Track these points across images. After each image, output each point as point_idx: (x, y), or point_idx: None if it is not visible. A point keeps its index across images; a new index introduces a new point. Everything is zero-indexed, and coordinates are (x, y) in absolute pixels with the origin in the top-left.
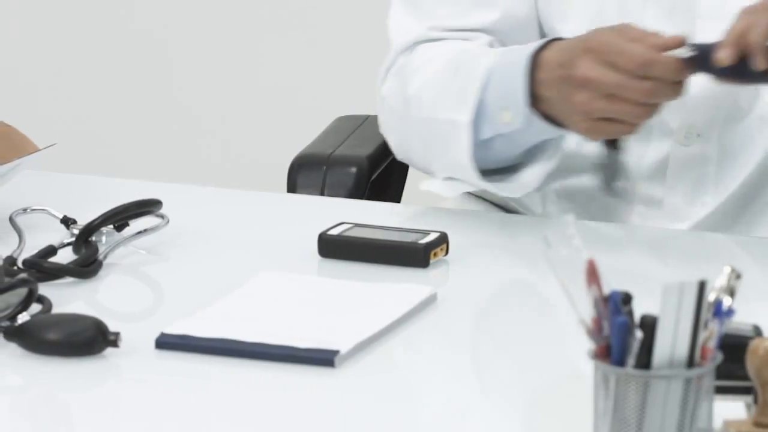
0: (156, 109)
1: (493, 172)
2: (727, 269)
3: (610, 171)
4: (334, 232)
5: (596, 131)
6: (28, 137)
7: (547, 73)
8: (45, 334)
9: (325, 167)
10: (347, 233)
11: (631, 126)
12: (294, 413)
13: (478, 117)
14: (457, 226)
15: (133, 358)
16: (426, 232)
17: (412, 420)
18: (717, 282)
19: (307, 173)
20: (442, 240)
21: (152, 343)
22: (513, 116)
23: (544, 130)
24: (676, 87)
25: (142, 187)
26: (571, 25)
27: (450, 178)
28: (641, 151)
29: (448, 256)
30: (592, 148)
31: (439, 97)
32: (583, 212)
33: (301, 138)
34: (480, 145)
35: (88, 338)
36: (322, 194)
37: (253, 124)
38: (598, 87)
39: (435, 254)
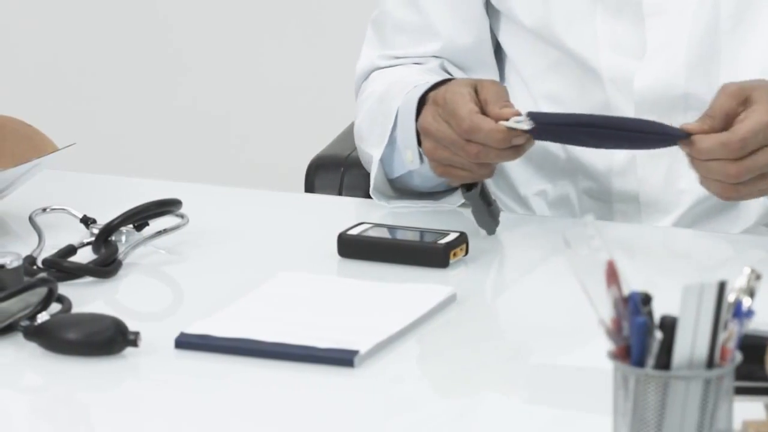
0: (176, 109)
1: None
2: (747, 270)
3: (477, 213)
4: (354, 232)
5: (446, 175)
6: (48, 137)
7: None
8: (64, 334)
9: (342, 168)
10: (367, 233)
11: (478, 174)
12: (313, 413)
13: (390, 155)
14: (476, 226)
15: (153, 357)
16: (445, 233)
17: (430, 420)
18: (736, 283)
19: (325, 174)
20: (462, 240)
21: (172, 343)
22: (413, 155)
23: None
24: (507, 152)
25: (161, 187)
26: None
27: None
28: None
29: (467, 256)
30: (580, 153)
31: (367, 131)
32: (568, 215)
33: (319, 139)
34: (406, 176)
35: (108, 338)
36: (339, 195)
37: (272, 126)
38: (436, 139)
39: (455, 254)
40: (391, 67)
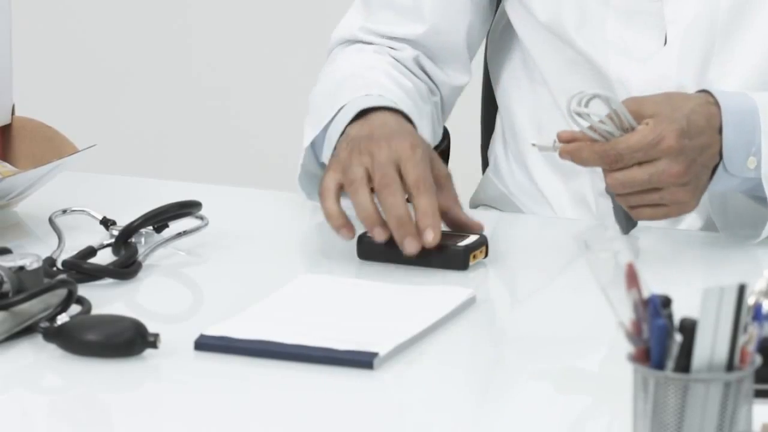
0: (196, 111)
1: None
2: (767, 273)
3: (616, 210)
4: None
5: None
6: (68, 138)
7: None
8: (84, 335)
9: None
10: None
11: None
12: (333, 415)
13: (321, 143)
14: (495, 228)
15: (173, 359)
16: (465, 235)
17: (450, 422)
18: (756, 285)
19: None
20: (482, 242)
21: (191, 345)
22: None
23: None
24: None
25: (182, 189)
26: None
27: None
28: None
29: (486, 258)
30: None
31: (313, 108)
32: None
33: None
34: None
35: (128, 339)
36: None
37: (293, 128)
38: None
39: (474, 257)
40: (364, 46)
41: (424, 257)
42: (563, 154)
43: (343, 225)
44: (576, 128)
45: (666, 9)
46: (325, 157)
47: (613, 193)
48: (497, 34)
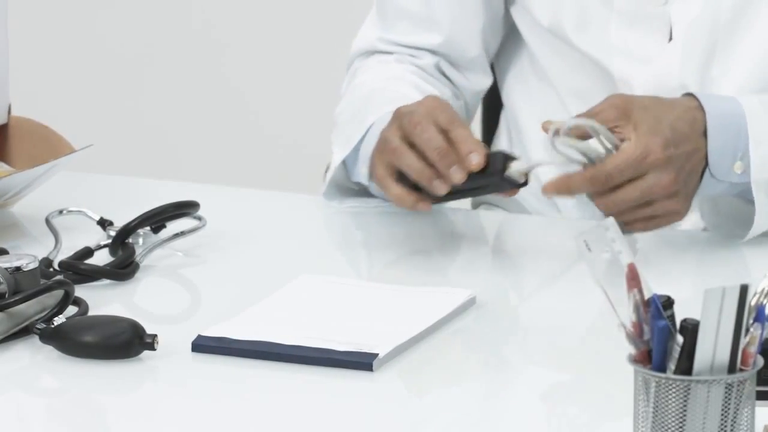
0: (194, 111)
1: None
2: None
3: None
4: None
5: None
6: (65, 138)
7: None
8: (81, 337)
9: None
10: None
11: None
12: (332, 417)
13: (354, 159)
14: (498, 228)
15: (170, 360)
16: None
17: (449, 424)
18: (759, 286)
19: None
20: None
21: (189, 346)
22: (367, 170)
23: None
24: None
25: (179, 189)
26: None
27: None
28: None
29: (488, 259)
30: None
31: (340, 126)
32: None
33: None
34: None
35: (125, 341)
36: None
37: (292, 128)
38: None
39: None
40: (385, 57)
41: (473, 187)
42: (548, 192)
43: (417, 200)
44: (559, 158)
45: (670, 10)
46: (361, 175)
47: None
48: (504, 35)
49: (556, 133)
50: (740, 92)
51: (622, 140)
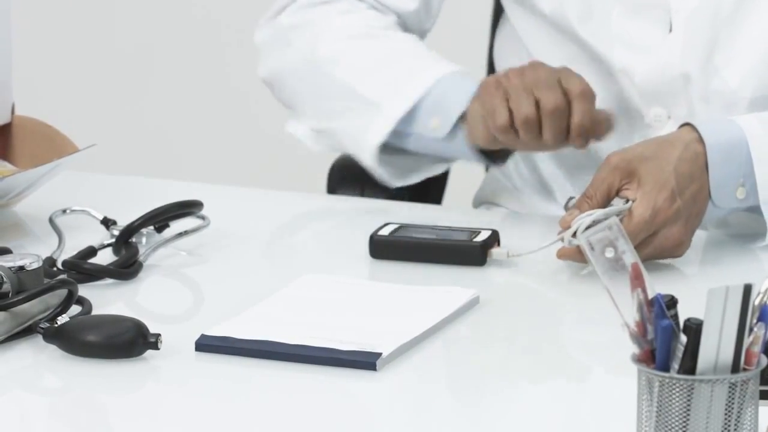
0: (197, 110)
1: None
2: None
3: None
4: (384, 232)
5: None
6: (68, 138)
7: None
8: (85, 336)
9: (364, 169)
10: (398, 233)
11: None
12: (335, 416)
13: (412, 116)
14: (500, 227)
15: (173, 360)
16: (477, 231)
17: (453, 423)
18: (762, 286)
19: (347, 176)
20: (495, 238)
21: (192, 345)
22: (440, 122)
23: (459, 146)
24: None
25: (182, 188)
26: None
27: (319, 131)
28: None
29: (491, 258)
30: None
31: (368, 74)
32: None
33: None
34: (397, 140)
35: (128, 340)
36: (362, 197)
37: None
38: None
39: (490, 254)
40: (349, 7)
41: (441, 254)
42: (562, 258)
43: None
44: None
45: (670, 0)
46: (427, 127)
47: None
48: (503, 29)
49: (573, 235)
50: (744, 81)
51: (628, 200)
